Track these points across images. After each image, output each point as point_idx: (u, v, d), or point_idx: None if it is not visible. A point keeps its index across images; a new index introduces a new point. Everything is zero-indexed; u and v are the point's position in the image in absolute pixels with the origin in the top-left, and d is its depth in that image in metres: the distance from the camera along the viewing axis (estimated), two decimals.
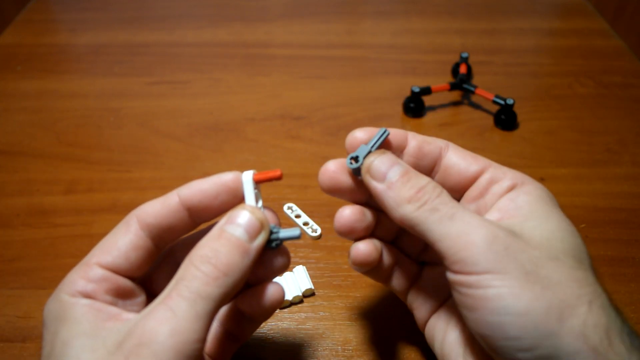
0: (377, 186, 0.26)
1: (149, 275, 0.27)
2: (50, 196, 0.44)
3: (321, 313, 0.35)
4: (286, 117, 0.53)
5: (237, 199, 0.26)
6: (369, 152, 0.27)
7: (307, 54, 0.62)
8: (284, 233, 0.26)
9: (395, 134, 0.28)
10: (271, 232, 0.26)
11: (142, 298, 0.26)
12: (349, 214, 0.28)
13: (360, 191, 0.28)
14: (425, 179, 0.25)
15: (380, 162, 0.26)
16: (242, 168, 0.47)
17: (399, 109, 0.54)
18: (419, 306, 0.30)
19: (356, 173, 0.27)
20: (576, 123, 0.51)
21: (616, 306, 0.23)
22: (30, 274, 0.38)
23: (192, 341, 0.21)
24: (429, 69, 0.59)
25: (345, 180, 0.28)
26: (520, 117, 0.51)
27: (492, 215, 0.26)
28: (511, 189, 0.26)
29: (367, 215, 0.28)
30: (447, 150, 0.28)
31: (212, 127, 0.52)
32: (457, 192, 0.28)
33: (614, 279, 0.37)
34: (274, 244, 0.26)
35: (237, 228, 0.24)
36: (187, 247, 0.27)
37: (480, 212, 0.27)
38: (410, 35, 0.66)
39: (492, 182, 0.27)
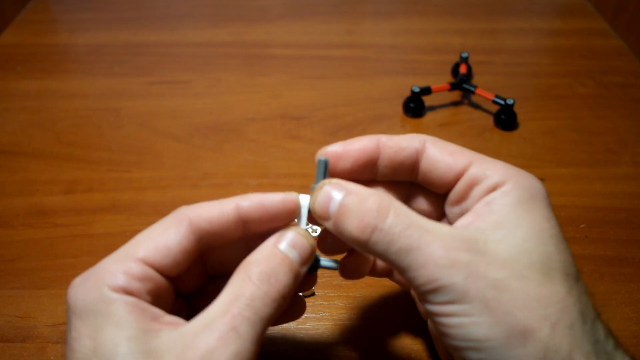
0: (328, 226, 0.25)
1: None
2: (50, 196, 0.44)
3: (321, 313, 0.35)
4: (286, 117, 0.53)
5: (290, 220, 0.26)
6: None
7: (307, 54, 0.62)
8: (324, 262, 0.27)
9: (364, 147, 0.27)
10: (315, 259, 0.26)
11: (172, 296, 0.25)
12: (330, 242, 0.28)
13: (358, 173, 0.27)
14: (366, 200, 0.23)
15: (321, 197, 0.25)
16: (242, 168, 0.47)
17: (399, 109, 0.54)
18: None
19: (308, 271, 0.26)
20: (576, 123, 0.51)
21: (595, 316, 0.22)
22: (30, 274, 0.38)
23: None
24: (429, 69, 0.59)
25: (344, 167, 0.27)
26: (520, 117, 0.51)
27: (466, 219, 0.24)
28: (492, 189, 0.24)
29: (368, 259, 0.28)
30: (424, 149, 0.27)
31: (212, 127, 0.52)
32: (442, 190, 0.27)
33: (614, 279, 0.37)
34: (312, 270, 0.26)
35: (292, 250, 0.24)
36: (217, 248, 0.27)
37: (461, 215, 0.26)
38: (410, 35, 0.66)
39: (473, 184, 0.25)
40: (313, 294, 0.37)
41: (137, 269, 0.23)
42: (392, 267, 0.24)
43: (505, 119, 0.50)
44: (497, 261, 0.22)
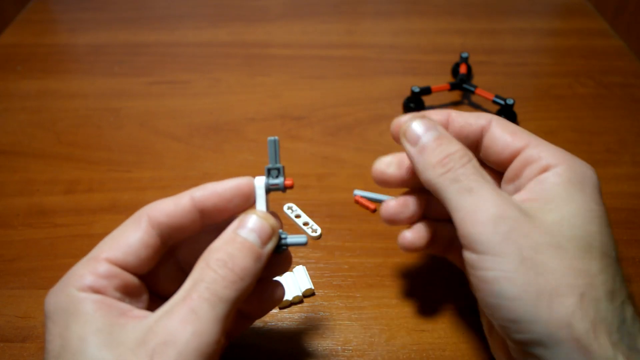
0: (410, 149, 0.27)
1: (149, 272, 0.27)
2: (50, 196, 0.44)
3: (321, 313, 0.35)
4: (286, 117, 0.53)
5: (248, 203, 0.27)
6: (276, 167, 0.27)
7: (307, 54, 0.62)
8: (291, 239, 0.27)
9: (437, 116, 0.29)
10: (280, 238, 0.26)
11: (145, 295, 0.26)
12: (392, 205, 0.30)
13: (410, 181, 0.29)
14: (455, 147, 0.26)
15: (416, 126, 0.27)
16: (242, 168, 0.47)
17: (399, 109, 0.54)
18: None
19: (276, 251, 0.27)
20: (576, 123, 0.51)
21: (626, 297, 0.23)
22: (30, 274, 0.38)
23: (212, 342, 0.22)
24: (429, 69, 0.59)
25: (393, 174, 0.29)
26: (520, 117, 0.51)
27: (520, 196, 0.26)
28: (544, 170, 0.26)
29: (411, 206, 0.30)
30: (489, 127, 0.28)
31: (212, 127, 0.52)
32: (500, 168, 0.29)
33: None
34: (281, 249, 0.27)
35: (251, 233, 0.25)
36: (187, 245, 0.28)
37: (516, 193, 0.27)
38: (410, 35, 0.66)
39: (526, 164, 0.27)
40: (313, 294, 0.37)
41: (103, 268, 0.24)
42: (445, 206, 0.25)
43: (505, 119, 0.50)
44: (541, 227, 0.23)
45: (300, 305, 0.36)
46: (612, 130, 0.50)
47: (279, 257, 0.27)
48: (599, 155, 0.48)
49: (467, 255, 0.24)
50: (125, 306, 0.24)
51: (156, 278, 0.27)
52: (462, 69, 0.55)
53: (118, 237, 0.25)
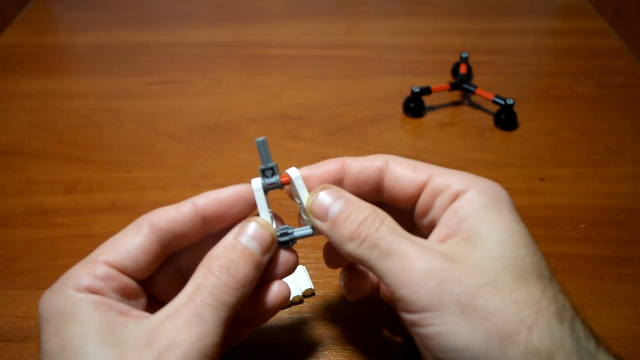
0: (321, 226, 0.26)
1: (149, 277, 0.27)
2: (50, 196, 0.44)
3: (321, 313, 0.35)
4: (286, 117, 0.53)
5: (251, 209, 0.27)
6: (270, 167, 0.27)
7: (307, 54, 0.62)
8: (298, 232, 0.27)
9: (330, 169, 0.28)
10: (287, 233, 0.27)
11: (143, 299, 0.26)
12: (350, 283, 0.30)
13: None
14: (365, 212, 0.25)
15: (320, 201, 0.26)
16: (242, 168, 0.47)
17: (399, 109, 0.54)
18: None
19: (285, 245, 0.27)
20: (576, 123, 0.51)
21: (573, 315, 0.22)
22: (30, 274, 0.38)
23: (214, 345, 0.22)
24: (429, 69, 0.59)
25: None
26: (520, 117, 0.51)
27: (439, 232, 0.25)
28: (455, 197, 0.25)
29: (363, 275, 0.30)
30: (387, 167, 0.27)
31: (212, 127, 0.52)
32: (408, 206, 0.27)
33: (614, 279, 0.37)
34: (290, 243, 0.27)
35: (252, 241, 0.25)
36: (187, 252, 0.28)
37: (431, 227, 0.26)
38: (410, 35, 0.66)
39: (435, 194, 0.26)
40: (313, 294, 0.37)
41: (100, 270, 0.24)
42: (375, 274, 0.24)
43: (505, 119, 0.50)
44: (471, 268, 0.22)
45: (300, 305, 0.36)
46: (612, 130, 0.50)
47: (286, 256, 0.28)
48: (599, 155, 0.48)
49: (405, 316, 0.23)
50: (124, 306, 0.24)
51: (154, 282, 0.27)
52: (462, 69, 0.55)
53: (117, 241, 0.25)
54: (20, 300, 0.36)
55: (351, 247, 0.24)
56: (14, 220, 0.42)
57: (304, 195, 0.27)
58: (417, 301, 0.22)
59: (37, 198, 0.44)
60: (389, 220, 0.24)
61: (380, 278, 0.24)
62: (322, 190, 0.26)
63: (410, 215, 0.28)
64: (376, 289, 0.31)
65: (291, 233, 0.27)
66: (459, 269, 0.22)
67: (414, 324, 0.22)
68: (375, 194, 0.28)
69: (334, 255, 0.29)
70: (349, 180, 0.28)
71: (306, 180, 0.27)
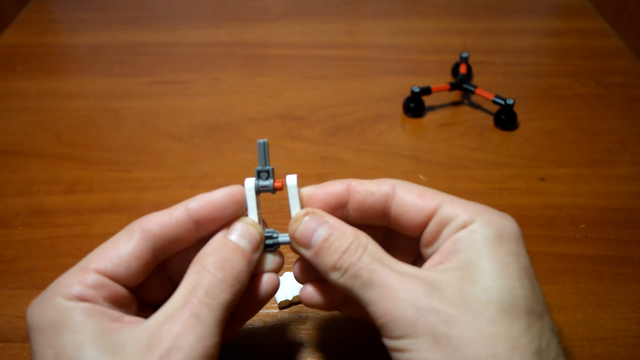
0: (305, 254, 0.26)
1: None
2: (50, 196, 0.44)
3: (321, 313, 0.35)
4: (286, 117, 0.53)
5: (242, 210, 0.27)
6: (266, 170, 0.27)
7: (307, 54, 0.62)
8: (282, 238, 0.27)
9: (335, 191, 0.27)
10: (272, 237, 0.27)
11: (134, 305, 0.26)
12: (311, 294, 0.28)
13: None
14: (348, 240, 0.24)
15: (303, 229, 0.26)
16: (242, 168, 0.47)
17: (399, 109, 0.54)
18: None
19: (270, 248, 0.27)
20: (576, 123, 0.51)
21: (557, 354, 0.22)
22: (30, 274, 0.38)
23: (214, 345, 0.22)
24: (429, 69, 0.59)
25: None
26: (520, 117, 0.51)
27: (434, 260, 0.25)
28: (460, 228, 0.24)
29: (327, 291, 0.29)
30: (394, 193, 0.27)
31: (212, 127, 0.52)
32: (415, 233, 0.27)
33: (614, 279, 0.37)
34: (275, 247, 0.27)
35: (242, 239, 0.26)
36: (178, 256, 0.27)
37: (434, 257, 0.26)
38: (410, 35, 0.66)
39: (444, 224, 0.25)
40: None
41: (91, 278, 0.24)
42: (360, 304, 0.24)
43: (505, 119, 0.50)
44: (452, 298, 0.22)
45: (300, 305, 0.36)
46: (612, 130, 0.50)
47: (272, 260, 0.28)
48: (599, 155, 0.48)
49: (386, 341, 0.23)
50: (116, 313, 0.24)
51: (144, 287, 0.27)
52: (462, 69, 0.55)
53: (109, 248, 0.25)
54: (20, 300, 0.36)
55: (335, 277, 0.24)
56: (14, 220, 0.42)
57: (295, 207, 0.27)
58: (394, 328, 0.22)
59: (37, 198, 0.44)
60: (372, 247, 0.24)
61: (364, 306, 0.24)
62: (306, 215, 0.26)
63: (416, 242, 0.27)
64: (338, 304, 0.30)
65: (276, 237, 0.27)
66: (438, 298, 0.22)
67: (392, 349, 0.23)
68: (382, 220, 0.27)
69: (306, 271, 0.29)
70: (354, 205, 0.27)
71: (308, 200, 0.27)
